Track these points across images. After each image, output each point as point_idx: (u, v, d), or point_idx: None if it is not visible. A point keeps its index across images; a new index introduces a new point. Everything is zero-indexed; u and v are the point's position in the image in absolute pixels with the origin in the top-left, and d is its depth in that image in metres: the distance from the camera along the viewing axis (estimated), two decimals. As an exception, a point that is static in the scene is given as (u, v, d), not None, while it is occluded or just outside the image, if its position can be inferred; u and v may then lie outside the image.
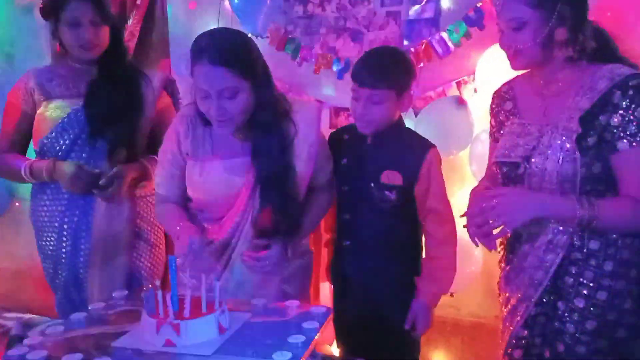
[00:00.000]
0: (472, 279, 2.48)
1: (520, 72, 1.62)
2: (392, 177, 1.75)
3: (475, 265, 2.48)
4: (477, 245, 1.51)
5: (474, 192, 1.63)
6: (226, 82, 1.51)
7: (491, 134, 1.70)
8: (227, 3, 2.81)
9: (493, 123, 1.67)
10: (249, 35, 2.72)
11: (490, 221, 1.39)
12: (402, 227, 1.81)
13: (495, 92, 1.68)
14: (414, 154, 1.76)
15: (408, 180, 1.75)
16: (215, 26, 2.83)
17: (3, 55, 3.41)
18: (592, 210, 1.36)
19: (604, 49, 1.47)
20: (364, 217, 1.79)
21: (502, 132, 1.60)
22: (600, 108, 1.40)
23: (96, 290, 1.91)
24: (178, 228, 1.63)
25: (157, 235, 2.05)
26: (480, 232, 1.44)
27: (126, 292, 1.63)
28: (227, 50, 1.52)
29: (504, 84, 1.66)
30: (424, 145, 1.79)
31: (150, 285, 1.32)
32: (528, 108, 1.55)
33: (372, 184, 1.75)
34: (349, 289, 1.87)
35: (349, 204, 1.82)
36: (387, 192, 1.74)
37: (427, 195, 1.76)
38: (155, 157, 1.88)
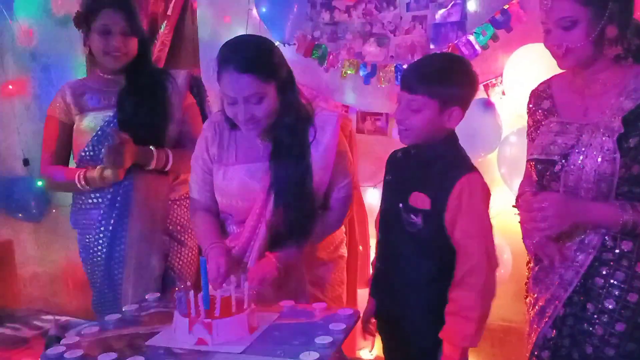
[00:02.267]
0: (501, 283, 2.44)
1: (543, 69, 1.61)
2: (420, 200, 1.53)
3: (505, 268, 2.45)
4: (532, 255, 1.54)
5: (522, 200, 1.61)
6: (252, 88, 1.55)
7: (528, 134, 1.67)
8: (255, 12, 2.86)
9: (530, 122, 1.65)
10: (276, 42, 2.80)
11: (540, 224, 1.42)
12: (431, 256, 1.55)
13: (532, 91, 1.66)
14: (446, 176, 1.51)
15: (437, 205, 1.51)
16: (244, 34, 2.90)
17: (40, 66, 3.52)
18: (637, 214, 1.35)
19: None
20: (393, 239, 1.62)
21: (538, 131, 1.58)
22: None
23: (130, 290, 1.96)
24: (208, 247, 1.66)
25: (190, 237, 2.10)
26: (526, 231, 1.47)
27: (158, 294, 1.68)
28: (252, 57, 1.55)
29: (542, 83, 1.64)
30: (459, 169, 1.52)
31: (182, 286, 1.36)
32: (567, 107, 1.53)
33: (401, 205, 1.56)
34: (382, 309, 1.70)
35: (382, 224, 1.67)
36: (412, 216, 1.54)
37: (455, 226, 1.50)
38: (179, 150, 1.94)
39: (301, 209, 1.64)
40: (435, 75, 1.51)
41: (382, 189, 1.69)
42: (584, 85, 1.49)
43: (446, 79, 1.51)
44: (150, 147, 1.97)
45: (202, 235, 1.75)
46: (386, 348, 1.74)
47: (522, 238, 1.54)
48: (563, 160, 1.46)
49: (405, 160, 1.64)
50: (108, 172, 1.93)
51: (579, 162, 1.43)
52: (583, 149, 1.43)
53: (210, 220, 1.76)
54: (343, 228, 1.90)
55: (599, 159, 1.40)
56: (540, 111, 1.60)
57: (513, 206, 1.56)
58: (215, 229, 1.74)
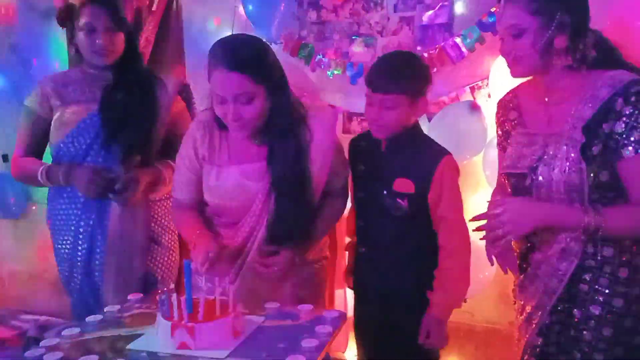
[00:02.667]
0: (485, 285, 2.47)
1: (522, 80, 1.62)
2: (404, 185, 1.70)
3: (488, 270, 2.46)
4: (492, 264, 1.56)
5: (493, 194, 1.65)
6: (242, 87, 1.53)
7: (498, 144, 1.69)
8: (241, 9, 2.83)
9: (499, 133, 1.67)
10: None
11: (497, 230, 1.42)
12: (416, 236, 1.73)
13: (499, 102, 1.68)
14: (427, 161, 1.70)
15: (420, 188, 1.69)
16: (230, 32, 2.86)
17: (20, 60, 3.46)
18: (598, 217, 1.35)
19: (606, 57, 1.46)
20: (378, 224, 1.76)
21: (509, 141, 1.60)
22: (603, 116, 1.39)
23: (111, 293, 1.92)
24: (195, 236, 1.64)
25: (171, 238, 2.07)
26: (487, 240, 1.47)
27: (141, 295, 1.64)
28: (243, 56, 1.53)
29: (508, 93, 1.66)
30: (438, 153, 1.72)
31: (165, 289, 1.33)
32: (532, 117, 1.54)
33: (385, 192, 1.71)
34: (366, 295, 1.85)
35: (363, 211, 1.80)
36: (399, 200, 1.69)
37: (439, 203, 1.69)
38: (170, 161, 1.89)
39: (301, 211, 1.64)
40: (403, 72, 1.68)
41: (354, 179, 1.82)
42: (545, 94, 1.50)
43: (412, 75, 1.69)
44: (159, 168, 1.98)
45: (188, 227, 1.71)
46: (371, 337, 1.82)
47: (485, 246, 1.53)
48: (532, 174, 1.47)
49: (377, 150, 1.76)
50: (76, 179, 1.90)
51: (547, 174, 1.44)
52: (550, 161, 1.44)
53: (196, 215, 1.74)
54: None
55: (566, 170, 1.40)
56: (507, 122, 1.62)
57: (470, 220, 1.56)
58: (201, 222, 1.72)
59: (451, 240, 1.69)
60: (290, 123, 1.63)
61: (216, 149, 1.70)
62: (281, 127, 1.61)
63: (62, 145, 1.95)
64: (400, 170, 1.71)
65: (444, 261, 1.70)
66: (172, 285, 1.36)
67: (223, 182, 1.68)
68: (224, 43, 1.59)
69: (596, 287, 1.43)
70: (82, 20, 1.89)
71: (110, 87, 1.95)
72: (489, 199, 1.63)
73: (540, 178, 1.45)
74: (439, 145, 1.77)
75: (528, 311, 1.54)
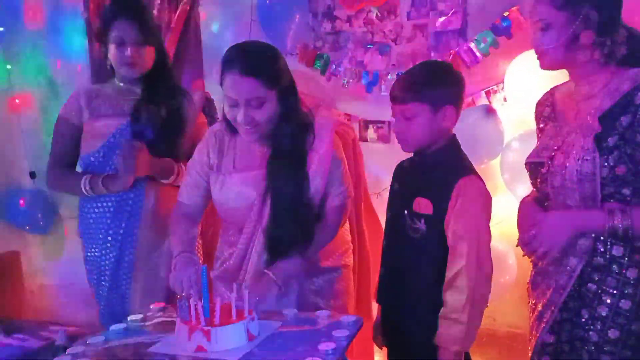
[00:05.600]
0: (507, 289, 2.45)
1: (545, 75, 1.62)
2: (423, 206, 1.57)
3: (509, 274, 2.45)
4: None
5: (522, 204, 1.63)
6: (254, 91, 1.57)
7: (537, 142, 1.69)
8: (257, 21, 2.88)
9: (537, 130, 1.68)
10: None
11: (539, 250, 1.44)
12: (432, 261, 1.57)
13: (538, 101, 1.69)
14: (446, 181, 1.55)
15: (438, 210, 1.54)
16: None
17: (46, 80, 3.57)
18: (626, 220, 1.35)
19: (638, 54, 1.46)
20: (397, 245, 1.66)
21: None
22: (622, 108, 1.38)
23: (137, 302, 1.97)
24: (176, 255, 1.65)
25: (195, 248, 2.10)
26: (535, 260, 1.53)
27: (163, 304, 1.68)
28: (256, 61, 1.57)
29: (546, 93, 1.67)
30: (457, 172, 1.56)
31: (184, 294, 1.37)
32: (563, 112, 1.56)
33: (406, 211, 1.60)
34: (387, 314, 1.75)
35: (388, 231, 1.72)
36: (416, 221, 1.57)
37: (448, 228, 1.53)
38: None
39: (298, 215, 1.64)
40: (419, 80, 1.60)
41: (389, 198, 1.75)
42: (576, 89, 1.52)
43: (430, 81, 1.59)
44: (172, 160, 1.99)
45: (176, 240, 1.72)
46: (391, 353, 1.76)
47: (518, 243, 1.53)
48: (549, 162, 1.48)
49: (410, 168, 1.69)
50: (118, 179, 1.93)
51: (561, 162, 1.44)
52: (566, 149, 1.45)
53: (187, 229, 1.75)
54: (348, 236, 1.89)
55: (579, 159, 1.40)
56: (542, 118, 1.63)
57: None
58: (190, 238, 1.74)
59: (450, 271, 1.52)
60: (297, 129, 1.66)
61: (224, 157, 1.74)
62: (288, 130, 1.64)
63: (92, 158, 2.01)
64: (420, 189, 1.59)
65: (445, 293, 1.53)
66: (192, 291, 1.39)
67: (226, 190, 1.71)
68: (237, 48, 1.63)
69: (604, 287, 1.41)
70: (113, 34, 1.95)
71: (140, 101, 2.00)
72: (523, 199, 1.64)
73: (556, 166, 1.45)
74: (466, 165, 1.61)
75: (539, 309, 1.53)
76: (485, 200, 1.58)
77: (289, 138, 1.65)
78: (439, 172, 1.58)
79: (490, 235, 1.58)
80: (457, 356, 1.53)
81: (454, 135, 1.66)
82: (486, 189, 1.60)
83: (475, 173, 1.60)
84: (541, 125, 1.63)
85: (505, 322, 2.58)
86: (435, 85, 1.59)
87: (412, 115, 1.57)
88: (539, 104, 1.66)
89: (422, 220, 1.57)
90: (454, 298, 1.51)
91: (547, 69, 1.54)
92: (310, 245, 1.65)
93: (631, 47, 1.45)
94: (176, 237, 1.73)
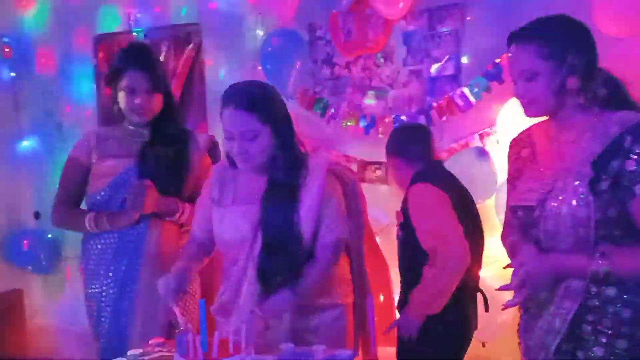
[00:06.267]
0: (503, 329, 2.46)
1: (537, 120, 1.67)
2: (399, 215, 2.02)
3: (506, 313, 2.45)
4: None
5: (512, 248, 1.63)
6: (248, 125, 1.66)
7: (508, 181, 1.70)
8: (260, 68, 3.00)
9: (511, 170, 1.69)
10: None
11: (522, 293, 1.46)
12: (413, 263, 1.98)
13: (513, 140, 1.70)
14: (407, 191, 2.01)
15: (406, 217, 1.96)
16: (248, 90, 3.03)
17: (54, 124, 3.68)
18: (607, 264, 1.36)
19: (615, 95, 1.51)
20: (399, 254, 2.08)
21: (520, 178, 1.62)
22: (612, 153, 1.42)
23: (137, 338, 1.97)
24: (173, 267, 1.76)
25: (193, 285, 2.13)
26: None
27: (163, 340, 1.71)
28: (250, 97, 1.67)
29: (522, 132, 1.69)
30: (412, 181, 2.01)
31: (182, 328, 1.40)
32: (545, 154, 1.57)
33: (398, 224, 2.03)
34: None
35: None
36: (398, 230, 2.04)
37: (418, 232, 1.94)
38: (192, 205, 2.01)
39: (288, 250, 1.68)
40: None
41: None
42: (558, 133, 1.54)
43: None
44: (177, 199, 2.05)
45: (178, 258, 1.82)
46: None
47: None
48: (540, 206, 1.49)
49: None
50: (124, 215, 1.99)
51: (555, 207, 1.45)
52: (559, 195, 1.46)
53: (193, 252, 1.83)
54: (348, 275, 1.89)
55: (574, 203, 1.42)
56: (520, 159, 1.64)
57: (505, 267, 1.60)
58: (190, 257, 1.81)
59: (427, 270, 1.93)
60: (290, 164, 1.72)
61: (224, 191, 1.81)
62: (281, 166, 1.71)
63: (98, 197, 2.07)
64: (401, 202, 2.05)
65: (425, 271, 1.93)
66: (190, 325, 1.42)
67: (224, 224, 1.77)
68: (234, 85, 1.73)
69: (599, 327, 1.42)
70: (124, 82, 2.04)
71: (148, 143, 2.08)
72: (502, 233, 1.68)
73: (549, 211, 1.46)
74: (421, 174, 2.03)
75: (532, 352, 1.53)
76: (433, 199, 1.96)
77: (283, 171, 1.71)
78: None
79: (451, 224, 1.93)
80: (421, 315, 1.95)
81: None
82: (431, 189, 1.97)
83: (427, 180, 1.99)
84: (518, 165, 1.64)
85: (503, 362, 2.58)
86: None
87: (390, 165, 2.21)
88: (515, 145, 1.67)
89: (399, 228, 2.04)
90: (427, 275, 1.92)
91: (534, 117, 1.57)
92: (300, 281, 1.68)
93: (607, 89, 1.49)
94: (178, 259, 1.81)
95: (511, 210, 1.60)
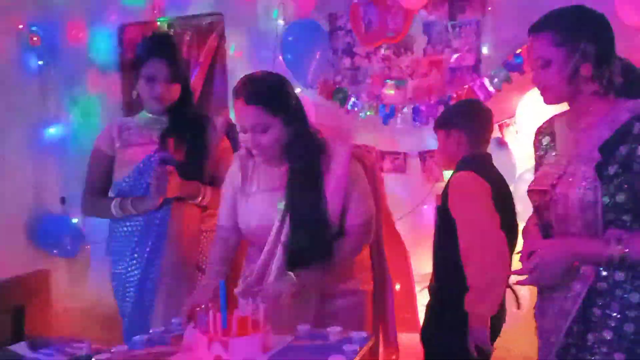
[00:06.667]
0: (521, 319, 2.47)
1: (555, 110, 1.69)
2: (438, 198, 2.08)
3: (522, 304, 2.47)
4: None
5: (524, 233, 1.69)
6: (257, 118, 1.69)
7: (535, 169, 1.74)
8: (280, 58, 3.04)
9: (535, 158, 1.73)
10: (298, 89, 2.96)
11: (539, 279, 1.50)
12: (449, 249, 1.95)
13: (537, 129, 1.75)
14: (451, 176, 2.05)
15: (444, 202, 1.97)
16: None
17: (79, 111, 3.77)
18: (622, 248, 1.39)
19: (634, 84, 1.53)
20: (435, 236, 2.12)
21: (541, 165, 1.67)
22: (621, 138, 1.44)
23: (160, 317, 2.04)
24: (203, 281, 1.86)
25: None
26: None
27: (184, 317, 1.76)
28: (259, 90, 1.70)
29: (545, 121, 1.72)
30: (457, 168, 2.03)
31: (203, 306, 1.45)
32: (563, 142, 1.61)
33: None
34: None
35: None
36: (435, 212, 2.09)
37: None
38: (213, 187, 2.08)
39: (316, 232, 1.72)
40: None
41: None
42: (575, 120, 1.58)
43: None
44: (198, 183, 2.11)
45: (209, 263, 1.91)
46: None
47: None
48: (552, 191, 1.52)
49: None
50: (148, 199, 2.06)
51: (564, 191, 1.49)
52: (568, 179, 1.49)
53: (222, 251, 1.88)
54: (368, 262, 1.92)
55: (581, 188, 1.45)
56: (541, 147, 1.68)
57: (517, 253, 1.64)
58: (221, 260, 1.87)
59: (470, 269, 1.85)
60: (307, 150, 1.75)
61: (247, 179, 1.85)
62: (298, 154, 1.74)
63: (124, 183, 2.14)
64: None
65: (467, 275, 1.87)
66: (210, 304, 1.47)
67: (249, 211, 1.81)
68: (244, 78, 1.76)
69: (607, 311, 1.44)
70: (144, 70, 2.10)
71: (167, 130, 2.14)
72: (525, 227, 1.70)
73: (559, 195, 1.50)
74: (466, 163, 1.99)
75: (546, 335, 1.56)
76: (477, 192, 1.91)
77: (301, 159, 1.74)
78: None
79: (490, 215, 1.87)
80: (479, 318, 1.85)
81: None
82: (475, 178, 1.92)
83: (472, 169, 1.94)
84: (540, 153, 1.68)
85: (521, 352, 2.59)
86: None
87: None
88: (539, 133, 1.71)
89: (436, 211, 2.04)
90: (468, 271, 1.83)
91: (551, 104, 1.61)
92: (330, 261, 1.73)
93: (626, 77, 1.51)
94: (209, 259, 1.91)
95: (528, 194, 1.63)
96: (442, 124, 2.10)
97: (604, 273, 1.45)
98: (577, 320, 1.49)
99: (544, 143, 1.66)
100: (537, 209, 1.61)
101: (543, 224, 1.61)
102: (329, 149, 1.78)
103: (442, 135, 2.10)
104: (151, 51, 2.11)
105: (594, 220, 1.45)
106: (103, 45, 3.64)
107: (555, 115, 1.69)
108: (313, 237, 1.71)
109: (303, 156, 1.74)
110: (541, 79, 1.54)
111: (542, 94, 1.58)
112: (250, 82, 1.73)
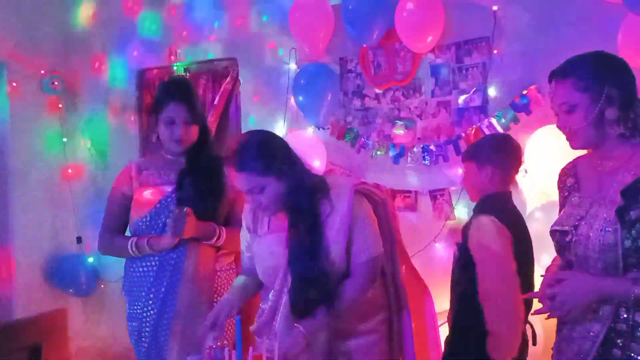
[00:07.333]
0: (533, 358, 2.45)
1: (563, 150, 1.72)
2: (457, 234, 2.12)
3: (537, 343, 2.45)
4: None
5: (547, 271, 1.69)
6: (251, 183, 1.74)
7: (559, 210, 1.75)
8: (292, 100, 3.13)
9: (559, 198, 1.75)
10: (310, 128, 3.03)
11: (555, 312, 1.51)
12: (463, 283, 2.01)
13: (561, 170, 1.76)
14: (471, 218, 2.06)
15: (464, 240, 1.98)
16: (282, 120, 3.16)
17: (99, 153, 3.87)
18: None
19: None
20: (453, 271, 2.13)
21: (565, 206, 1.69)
22: None
23: (175, 356, 2.07)
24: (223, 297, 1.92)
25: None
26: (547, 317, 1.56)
27: (200, 356, 1.79)
28: (246, 157, 1.73)
29: (569, 162, 1.74)
30: (479, 209, 2.05)
31: (218, 343, 1.48)
32: (587, 184, 1.63)
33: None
34: None
35: None
36: (455, 250, 2.09)
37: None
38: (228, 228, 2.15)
39: (316, 279, 1.72)
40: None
41: None
42: (600, 162, 1.60)
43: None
44: (214, 224, 2.16)
45: (232, 286, 1.98)
46: None
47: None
48: (573, 231, 1.54)
49: None
50: (164, 239, 2.11)
51: (585, 232, 1.51)
52: (590, 220, 1.51)
53: (243, 281, 1.94)
54: (381, 301, 1.89)
55: (602, 230, 1.47)
56: (565, 188, 1.70)
57: (541, 275, 1.66)
58: (242, 287, 1.92)
59: (489, 316, 1.86)
60: (306, 197, 1.76)
61: (259, 220, 1.90)
62: (296, 201, 1.76)
63: (141, 223, 2.20)
64: None
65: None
66: (225, 342, 1.50)
67: (261, 251, 1.86)
68: (231, 146, 1.80)
69: (628, 352, 1.44)
70: (164, 114, 2.18)
71: (184, 171, 2.21)
72: (544, 273, 1.69)
73: (579, 236, 1.52)
74: (490, 208, 1.98)
75: None
76: (495, 236, 1.90)
77: (298, 208, 1.76)
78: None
79: (509, 264, 1.88)
80: None
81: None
82: (497, 225, 1.91)
83: (492, 213, 1.94)
84: (564, 194, 1.70)
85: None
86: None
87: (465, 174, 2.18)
88: (563, 174, 1.73)
89: (456, 247, 2.04)
90: (487, 316, 1.85)
91: (578, 149, 1.63)
92: (336, 304, 1.72)
93: None
94: (231, 287, 1.99)
95: (550, 234, 1.65)
96: (474, 156, 2.08)
97: (624, 314, 1.46)
98: None
99: (568, 184, 1.69)
100: (558, 249, 1.62)
101: (564, 264, 1.63)
102: (333, 189, 1.80)
103: (472, 167, 2.07)
104: (170, 95, 2.20)
105: (614, 262, 1.47)
106: (122, 89, 3.77)
107: (580, 157, 1.72)
108: (313, 284, 1.72)
109: (301, 206, 1.76)
110: (567, 124, 1.57)
111: (567, 138, 1.61)
112: (237, 149, 1.76)
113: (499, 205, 2.01)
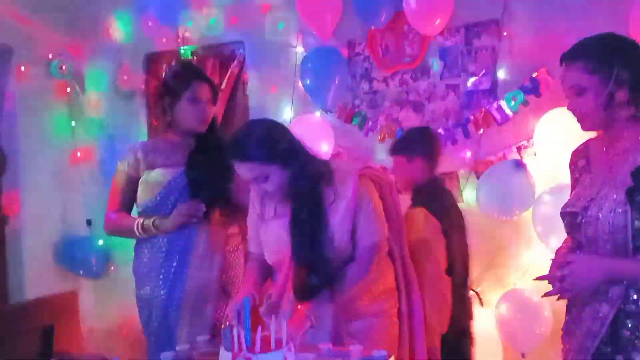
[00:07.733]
0: (543, 340, 2.47)
1: (573, 133, 1.71)
2: None
3: (545, 326, 2.47)
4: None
5: (557, 253, 1.69)
6: (255, 172, 1.75)
7: (570, 191, 1.75)
8: (300, 83, 3.12)
9: (571, 180, 1.75)
10: (318, 112, 3.02)
11: (565, 293, 1.52)
12: None
13: (572, 152, 1.76)
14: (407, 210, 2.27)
15: None
16: (289, 103, 3.15)
17: (106, 136, 3.88)
18: None
19: None
20: None
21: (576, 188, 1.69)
22: None
23: (184, 336, 2.08)
24: (239, 291, 1.92)
25: (236, 289, 2.24)
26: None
27: (208, 336, 1.81)
28: (249, 147, 1.73)
29: (581, 144, 1.74)
30: (413, 201, 2.30)
31: (227, 323, 1.49)
32: (598, 165, 1.63)
33: None
34: None
35: None
36: None
37: None
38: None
39: (318, 267, 1.75)
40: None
41: None
42: (611, 144, 1.59)
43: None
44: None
45: (243, 282, 1.99)
46: None
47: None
48: (583, 213, 1.55)
49: None
50: (169, 221, 2.13)
51: (595, 213, 1.51)
52: (599, 202, 1.51)
53: (255, 270, 1.93)
54: (392, 282, 1.91)
55: (611, 211, 1.47)
56: (577, 169, 1.70)
57: (535, 279, 1.67)
58: (255, 278, 1.91)
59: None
60: (310, 185, 1.77)
61: (265, 206, 1.91)
62: (300, 188, 1.77)
63: (150, 203, 2.20)
64: None
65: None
66: (235, 321, 1.52)
67: (268, 235, 1.87)
68: (232, 137, 1.80)
69: (637, 333, 1.45)
70: (188, 93, 2.17)
71: (195, 152, 2.22)
72: (554, 256, 1.68)
73: (590, 217, 1.52)
74: (421, 200, 2.22)
75: (573, 356, 1.56)
76: (424, 227, 2.12)
77: (302, 195, 1.77)
78: None
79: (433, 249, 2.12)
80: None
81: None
82: (426, 215, 2.14)
83: (423, 204, 2.17)
84: (576, 176, 1.69)
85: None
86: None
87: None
88: (575, 155, 1.73)
89: None
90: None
91: (588, 130, 1.63)
92: (340, 287, 1.76)
93: None
94: (245, 274, 2.03)
95: (561, 215, 1.65)
96: (403, 150, 2.29)
97: (634, 295, 1.46)
98: (605, 342, 1.49)
99: (580, 166, 1.68)
100: (569, 231, 1.62)
101: (574, 246, 1.62)
102: (338, 175, 1.81)
103: (402, 161, 2.29)
104: (195, 74, 2.22)
105: (623, 243, 1.47)
106: (129, 72, 3.77)
107: (591, 138, 1.71)
108: (315, 270, 1.74)
109: (304, 193, 1.77)
110: (577, 106, 1.57)
111: (578, 121, 1.60)
112: (240, 139, 1.76)
113: (431, 195, 2.22)
